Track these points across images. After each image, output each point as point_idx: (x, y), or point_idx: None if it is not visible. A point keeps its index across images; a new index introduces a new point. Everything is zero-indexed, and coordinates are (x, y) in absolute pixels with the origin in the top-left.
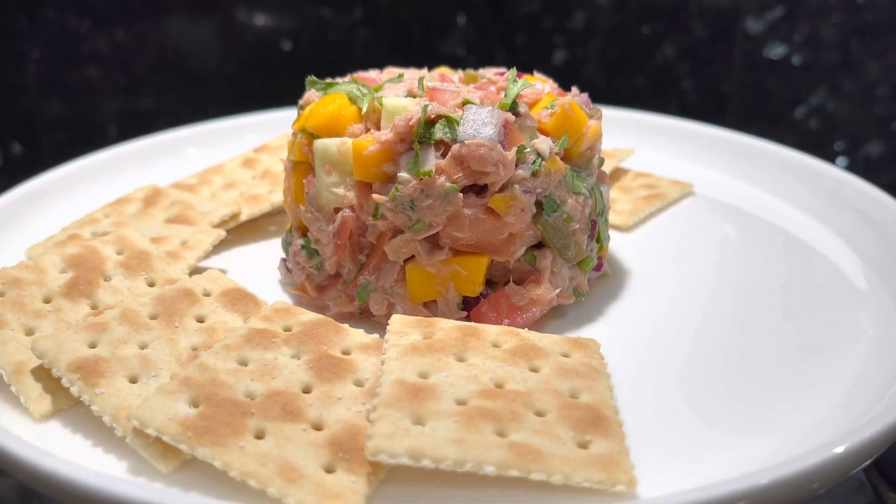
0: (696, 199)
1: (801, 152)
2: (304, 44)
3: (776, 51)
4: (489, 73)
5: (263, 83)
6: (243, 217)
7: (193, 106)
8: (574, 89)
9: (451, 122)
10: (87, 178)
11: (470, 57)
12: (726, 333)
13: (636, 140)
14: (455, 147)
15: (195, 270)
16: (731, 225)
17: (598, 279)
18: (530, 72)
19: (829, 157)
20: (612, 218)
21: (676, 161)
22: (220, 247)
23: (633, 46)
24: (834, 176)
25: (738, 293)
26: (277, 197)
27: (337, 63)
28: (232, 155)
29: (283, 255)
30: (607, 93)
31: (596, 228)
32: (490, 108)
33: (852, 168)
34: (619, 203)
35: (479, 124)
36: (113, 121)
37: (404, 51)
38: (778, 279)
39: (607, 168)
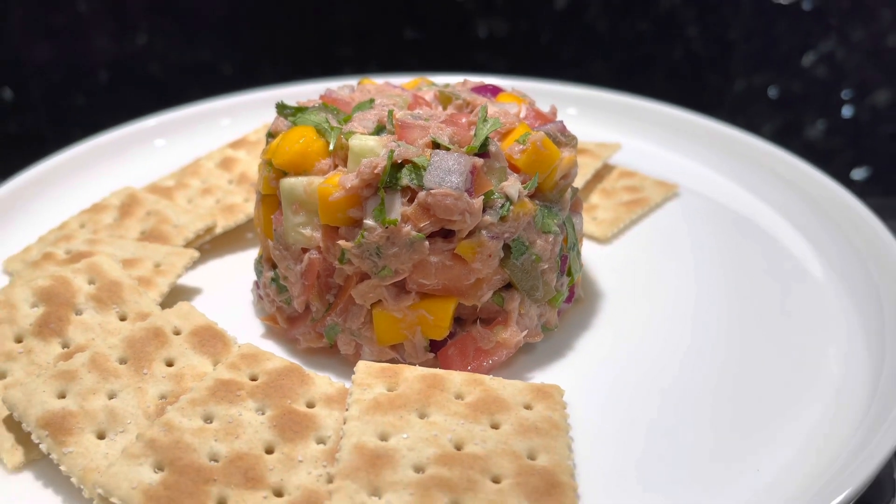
0: (681, 200)
1: (803, 160)
2: None
3: None
4: (465, 89)
5: (255, 25)
6: (218, 230)
7: (186, 51)
8: (552, 108)
9: (417, 169)
10: (59, 175)
11: None
12: (701, 370)
13: (625, 128)
14: (421, 195)
15: (168, 295)
16: (716, 234)
17: (571, 306)
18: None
19: (835, 105)
20: (591, 228)
21: (665, 153)
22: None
23: None
24: (830, 188)
25: (720, 320)
26: (253, 206)
27: None
28: (210, 141)
29: (256, 278)
30: (610, 39)
31: (566, 263)
32: (457, 154)
33: (858, 117)
34: (600, 210)
35: (445, 172)
36: (104, 66)
37: None
38: (765, 302)
39: (591, 168)
